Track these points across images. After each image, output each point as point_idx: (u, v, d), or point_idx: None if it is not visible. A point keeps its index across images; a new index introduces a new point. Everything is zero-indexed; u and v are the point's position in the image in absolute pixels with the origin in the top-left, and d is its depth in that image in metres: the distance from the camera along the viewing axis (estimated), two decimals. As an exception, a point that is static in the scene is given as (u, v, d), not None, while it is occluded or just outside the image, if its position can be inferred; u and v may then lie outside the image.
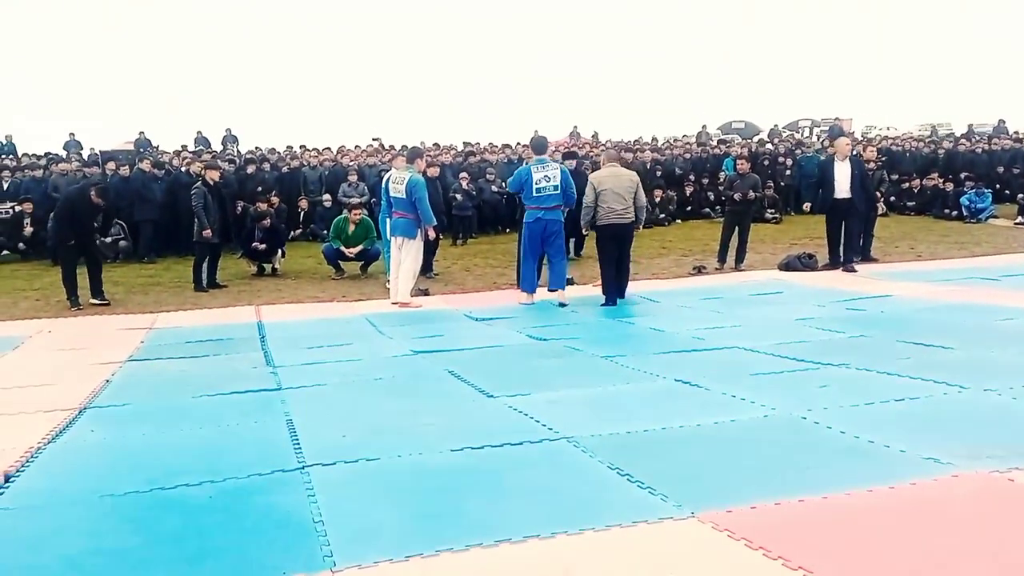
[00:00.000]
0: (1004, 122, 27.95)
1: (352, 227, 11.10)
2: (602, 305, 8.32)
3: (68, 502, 3.29)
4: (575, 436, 3.85)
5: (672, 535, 2.79)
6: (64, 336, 7.54)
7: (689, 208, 17.13)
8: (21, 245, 12.95)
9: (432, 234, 9.01)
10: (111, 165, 14.26)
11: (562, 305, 8.26)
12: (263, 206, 11.97)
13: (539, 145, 8.84)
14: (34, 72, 59.36)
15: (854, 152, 11.27)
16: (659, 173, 16.98)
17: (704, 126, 28.83)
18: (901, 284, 8.90)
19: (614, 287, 8.44)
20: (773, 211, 16.42)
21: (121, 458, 3.89)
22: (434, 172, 10.96)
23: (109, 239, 12.48)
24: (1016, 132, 25.05)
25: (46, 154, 18.77)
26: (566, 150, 11.92)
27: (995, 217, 16.30)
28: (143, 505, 3.21)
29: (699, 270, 10.52)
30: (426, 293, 9.40)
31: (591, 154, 16.54)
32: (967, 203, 16.44)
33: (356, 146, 19.96)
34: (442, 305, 8.82)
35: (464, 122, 60.83)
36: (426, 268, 10.70)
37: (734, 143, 22.98)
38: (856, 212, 10.25)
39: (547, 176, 8.36)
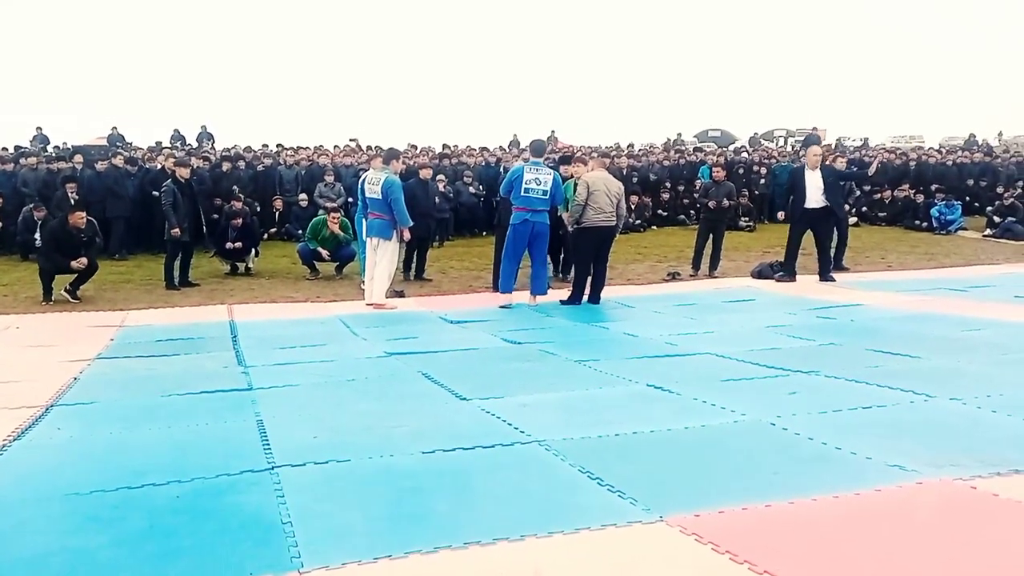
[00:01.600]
0: (974, 135, 28.49)
1: (329, 231, 10.99)
2: (563, 303, 8.55)
3: (32, 500, 3.24)
4: (547, 439, 3.86)
5: (640, 538, 2.80)
6: (32, 332, 7.43)
7: (665, 214, 17.25)
8: (-11, 240, 12.74)
9: (407, 235, 8.98)
10: (78, 159, 14.06)
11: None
12: (237, 205, 11.87)
13: (538, 148, 8.90)
14: (4, 64, 58.43)
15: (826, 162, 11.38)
16: (635, 179, 17.06)
17: (679, 134, 29.07)
18: (871, 293, 9.03)
19: (582, 287, 8.59)
20: (747, 219, 16.58)
21: (87, 457, 3.84)
22: (426, 174, 10.94)
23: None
24: (986, 142, 25.55)
25: (16, 147, 18.51)
26: (562, 154, 11.82)
27: (964, 229, 16.59)
28: (109, 504, 3.17)
29: (673, 276, 10.60)
30: (401, 295, 9.38)
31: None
32: (937, 215, 16.72)
33: (335, 146, 19.88)
34: (417, 307, 8.80)
35: (442, 124, 60.86)
36: (419, 272, 10.66)
37: (709, 151, 23.14)
38: (824, 222, 10.34)
39: (538, 179, 8.37)
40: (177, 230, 9.87)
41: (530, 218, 8.40)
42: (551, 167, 9.16)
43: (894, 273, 11.19)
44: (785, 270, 10.32)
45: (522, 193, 8.36)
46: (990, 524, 2.87)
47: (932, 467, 3.35)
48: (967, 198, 18.47)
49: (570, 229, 8.77)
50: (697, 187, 15.81)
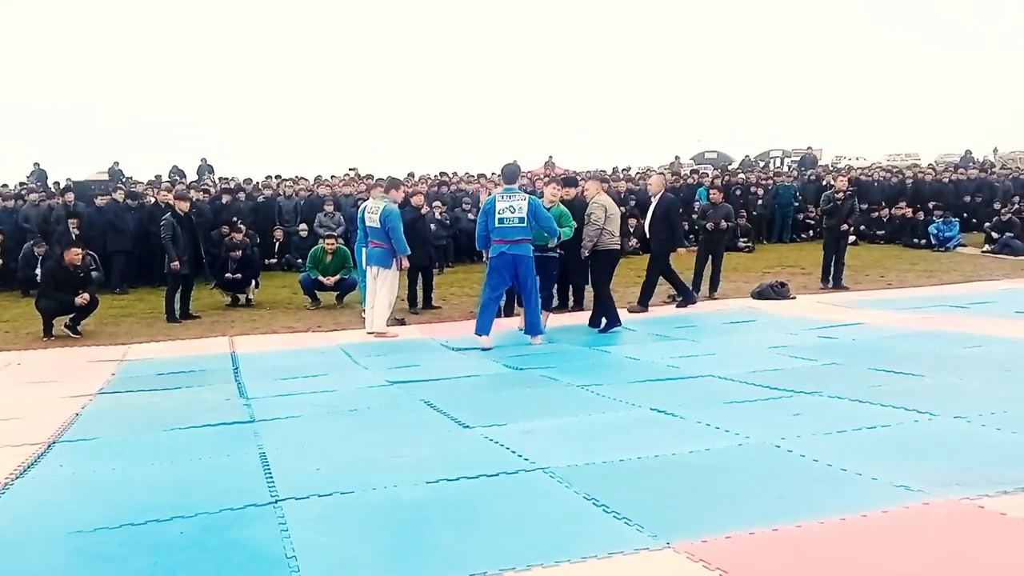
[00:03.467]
0: (971, 152, 28.63)
1: (329, 257, 11.09)
2: (602, 331, 8.35)
3: (36, 540, 3.22)
4: (551, 467, 3.84)
5: (648, 566, 2.79)
6: (34, 369, 7.43)
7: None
8: (-10, 276, 12.75)
9: (406, 263, 8.96)
10: (69, 197, 14.10)
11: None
12: (237, 236, 11.91)
13: (509, 174, 8.12)
14: (4, 98, 58.86)
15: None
16: (633, 202, 17.12)
17: (677, 156, 29.21)
18: (872, 312, 9.02)
19: (614, 309, 8.46)
20: (746, 240, 16.62)
21: (90, 494, 3.82)
22: (418, 201, 10.62)
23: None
24: (987, 158, 25.68)
25: (20, 184, 18.61)
26: (565, 176, 11.19)
27: (963, 245, 16.62)
28: (113, 542, 3.16)
29: (673, 298, 10.59)
30: (402, 322, 9.38)
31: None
32: (935, 231, 16.76)
33: (332, 176, 19.97)
34: (418, 335, 8.80)
35: (440, 152, 61.17)
36: (427, 301, 10.58)
37: (707, 173, 23.25)
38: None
39: (511, 207, 7.70)
40: (176, 263, 9.89)
41: (508, 250, 7.68)
42: (528, 192, 8.99)
43: (894, 291, 11.20)
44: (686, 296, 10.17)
45: (497, 224, 7.72)
46: (999, 543, 2.85)
47: (938, 487, 3.34)
48: (964, 215, 18.53)
49: (585, 254, 8.50)
50: (695, 209, 15.85)
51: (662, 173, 14.97)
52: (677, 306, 10.03)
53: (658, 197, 9.84)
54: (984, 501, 3.18)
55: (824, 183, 11.45)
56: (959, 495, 3.25)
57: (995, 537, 2.91)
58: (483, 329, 7.72)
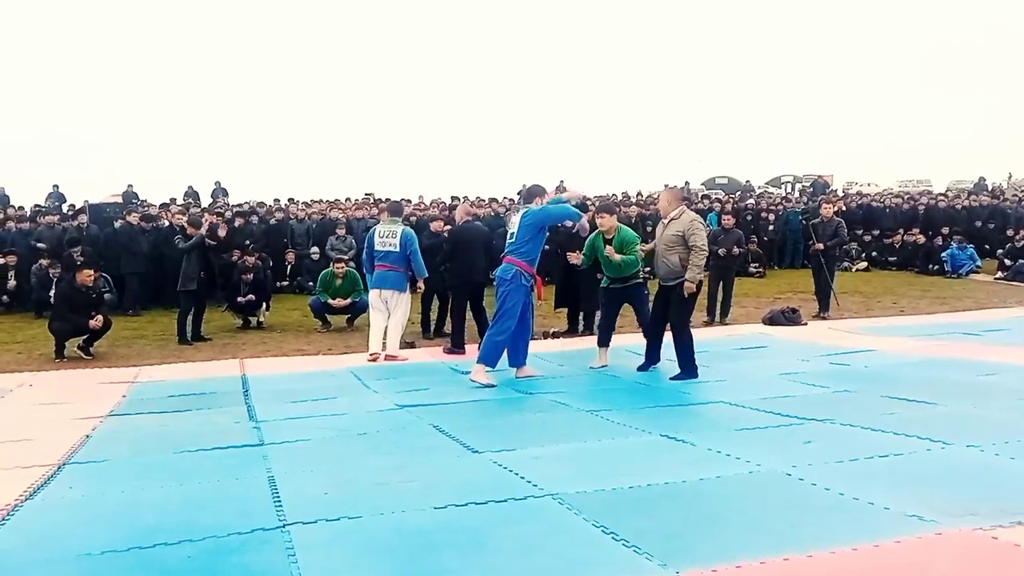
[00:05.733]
0: (984, 179, 28.56)
1: (339, 280, 11.14)
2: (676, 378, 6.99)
3: (45, 562, 3.22)
4: (560, 493, 3.82)
5: (657, 595, 2.76)
6: (45, 390, 7.46)
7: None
8: (4, 298, 12.85)
9: (422, 286, 9.05)
10: (82, 219, 14.27)
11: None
12: (250, 260, 11.99)
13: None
14: (22, 121, 59.69)
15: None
16: (649, 227, 17.14)
17: (687, 182, 29.23)
18: (884, 339, 8.97)
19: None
20: (757, 265, 16.59)
21: (99, 516, 3.82)
22: (437, 227, 10.44)
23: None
24: (1000, 185, 25.60)
25: (35, 206, 18.82)
26: (602, 203, 10.52)
27: (977, 271, 16.54)
28: (121, 565, 3.16)
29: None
30: (412, 346, 9.39)
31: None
32: (949, 258, 16.69)
33: (347, 199, 20.11)
34: (428, 358, 8.80)
35: (452, 176, 61.53)
36: (440, 326, 10.43)
37: (718, 198, 23.26)
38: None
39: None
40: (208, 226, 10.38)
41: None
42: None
43: (906, 317, 11.14)
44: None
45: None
46: (1011, 575, 2.82)
47: (951, 517, 3.30)
48: (977, 241, 18.48)
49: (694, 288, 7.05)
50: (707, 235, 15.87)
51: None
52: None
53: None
54: (998, 532, 3.14)
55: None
56: (972, 525, 3.21)
57: (1009, 569, 2.87)
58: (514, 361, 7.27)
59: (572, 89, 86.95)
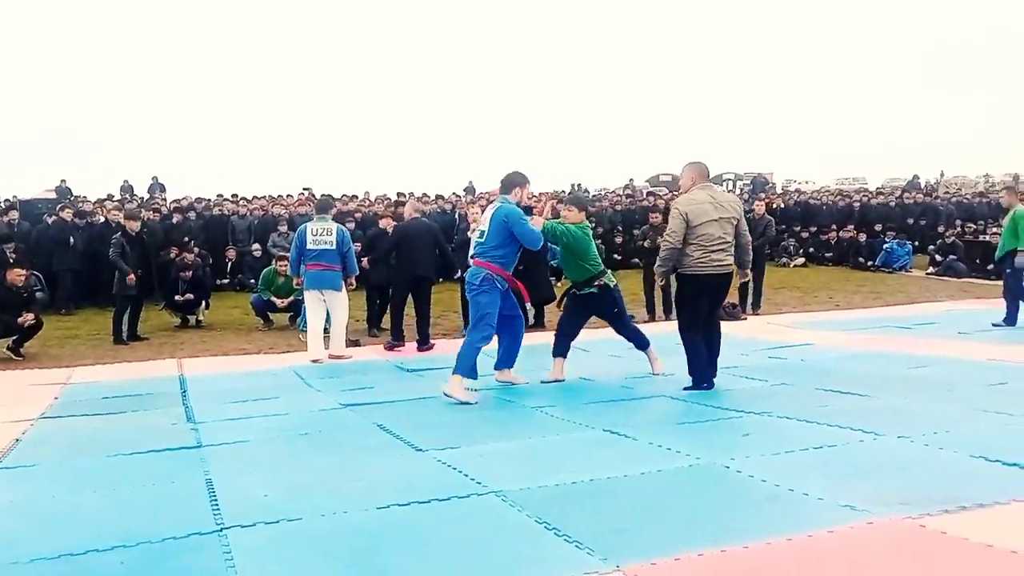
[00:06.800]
0: (918, 177, 29.49)
1: (281, 279, 10.97)
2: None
3: (-33, 572, 3.11)
4: (503, 490, 3.83)
5: (597, 590, 2.78)
6: (-29, 393, 7.19)
7: (619, 259, 17.43)
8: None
9: (353, 283, 8.94)
10: (13, 215, 13.81)
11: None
12: (189, 257, 11.73)
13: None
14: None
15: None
16: (594, 223, 17.29)
17: (631, 179, 29.56)
18: (820, 333, 9.21)
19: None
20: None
21: (29, 522, 3.70)
22: (386, 223, 10.41)
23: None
24: (929, 183, 26.43)
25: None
26: (573, 196, 9.97)
27: (908, 269, 17.09)
28: (51, 573, 3.06)
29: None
30: (357, 343, 9.30)
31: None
32: (889, 250, 17.21)
33: (287, 195, 19.81)
34: (373, 356, 8.73)
35: (396, 172, 61.07)
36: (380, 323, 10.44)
37: (661, 195, 23.54)
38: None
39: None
40: (132, 276, 9.69)
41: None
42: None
43: (842, 312, 11.44)
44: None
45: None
46: (938, 562, 2.91)
47: (882, 506, 3.40)
48: (908, 238, 19.08)
49: (662, 283, 7.00)
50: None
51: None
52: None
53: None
54: (926, 520, 3.25)
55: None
56: (902, 514, 3.31)
57: (935, 556, 2.97)
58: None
59: (518, 83, 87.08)
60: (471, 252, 6.39)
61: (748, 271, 6.62)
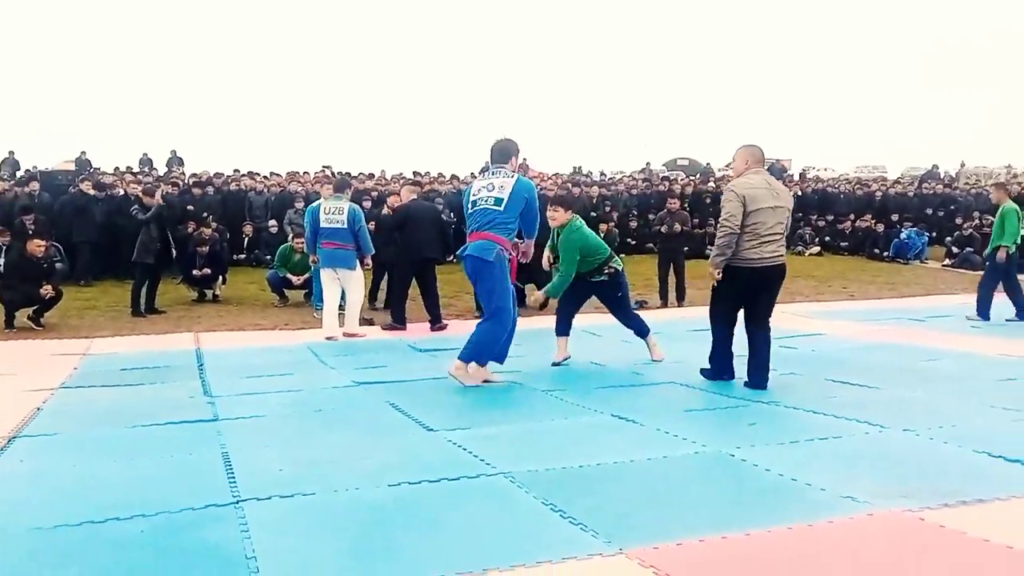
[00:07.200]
0: (937, 167, 29.19)
1: (297, 256, 11.07)
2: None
3: (-7, 536, 3.22)
4: (512, 471, 3.91)
5: (599, 571, 2.86)
6: (-6, 361, 7.34)
7: (633, 243, 17.44)
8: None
9: (369, 262, 9.03)
10: (33, 186, 13.97)
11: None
12: (207, 231, 11.85)
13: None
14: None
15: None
16: (608, 207, 17.28)
17: (648, 163, 29.44)
18: (833, 323, 9.23)
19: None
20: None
21: (51, 490, 3.81)
22: (394, 201, 10.31)
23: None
24: (948, 173, 26.19)
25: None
26: (557, 195, 9.73)
27: (924, 259, 17.01)
28: (73, 539, 3.17)
29: (640, 305, 10.70)
30: (371, 323, 9.40)
31: (541, 186, 16.71)
32: (906, 239, 17.13)
33: (305, 172, 19.89)
34: (386, 335, 8.82)
35: (414, 151, 61.06)
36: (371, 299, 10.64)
37: (678, 179, 23.47)
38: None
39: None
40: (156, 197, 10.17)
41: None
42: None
43: (856, 302, 11.43)
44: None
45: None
46: (934, 555, 2.97)
47: (883, 498, 3.46)
48: (926, 229, 18.97)
49: (718, 276, 5.99)
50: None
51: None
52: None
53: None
54: (925, 513, 3.30)
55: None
56: (902, 507, 3.37)
57: (931, 549, 3.03)
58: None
59: (534, 65, 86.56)
60: (476, 223, 5.93)
61: None
